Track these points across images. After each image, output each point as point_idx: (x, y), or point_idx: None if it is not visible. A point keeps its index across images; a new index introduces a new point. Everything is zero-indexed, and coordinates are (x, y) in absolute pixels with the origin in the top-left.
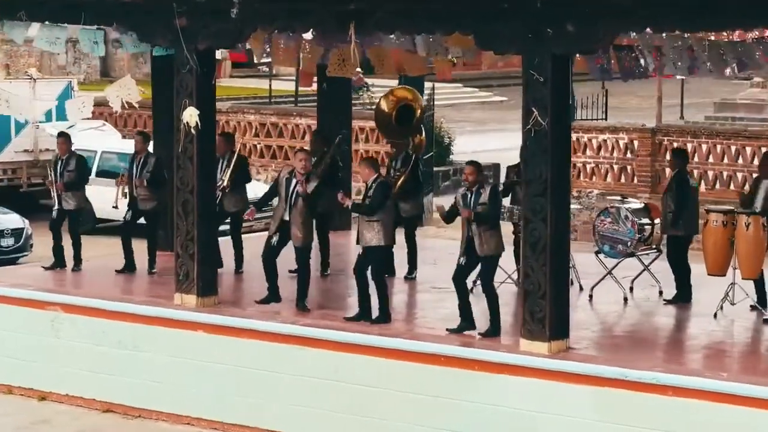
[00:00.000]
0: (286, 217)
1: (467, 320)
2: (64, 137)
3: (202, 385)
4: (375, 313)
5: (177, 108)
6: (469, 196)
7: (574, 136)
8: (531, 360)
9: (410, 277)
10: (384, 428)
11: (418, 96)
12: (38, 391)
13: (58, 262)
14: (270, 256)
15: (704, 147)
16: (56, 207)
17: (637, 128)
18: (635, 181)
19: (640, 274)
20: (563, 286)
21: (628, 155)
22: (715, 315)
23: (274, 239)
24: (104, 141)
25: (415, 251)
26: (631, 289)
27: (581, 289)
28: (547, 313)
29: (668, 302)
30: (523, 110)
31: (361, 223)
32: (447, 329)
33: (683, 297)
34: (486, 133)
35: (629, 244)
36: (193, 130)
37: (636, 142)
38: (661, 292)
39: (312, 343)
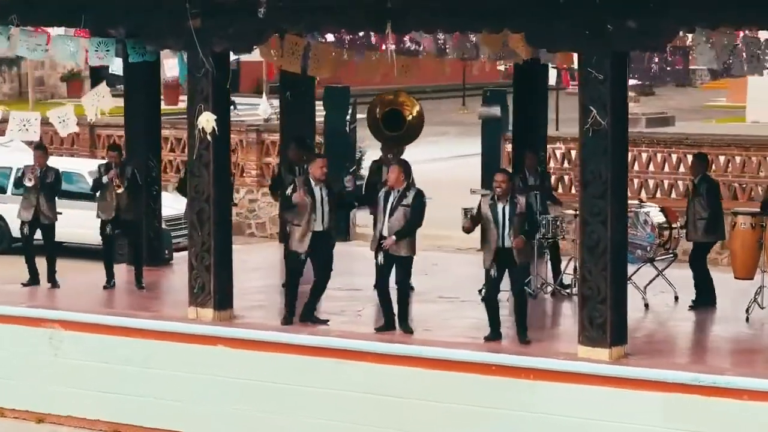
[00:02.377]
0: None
1: (496, 331)
2: (41, 150)
3: (222, 401)
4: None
5: (191, 113)
6: (501, 206)
7: (509, 147)
8: (598, 368)
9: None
10: None
11: (413, 102)
12: (35, 413)
13: (34, 279)
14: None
15: (644, 156)
16: (27, 221)
17: (575, 138)
18: (572, 191)
19: (653, 279)
20: (622, 290)
21: (566, 164)
22: (747, 319)
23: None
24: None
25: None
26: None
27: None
28: (608, 318)
29: (692, 307)
30: (580, 109)
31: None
32: (485, 338)
33: (708, 301)
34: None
35: (649, 248)
36: (209, 136)
37: (573, 152)
38: (677, 298)
39: (348, 355)
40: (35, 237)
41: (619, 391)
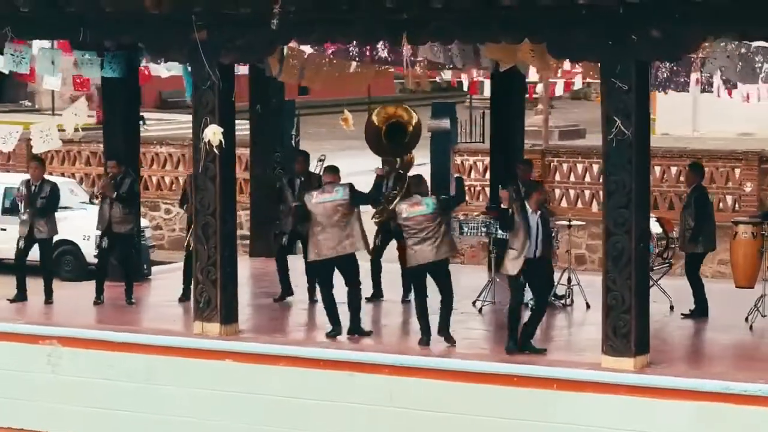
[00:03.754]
0: None
1: (516, 341)
2: (37, 162)
3: (231, 416)
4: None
5: (197, 126)
6: (536, 218)
7: (458, 159)
8: (627, 377)
9: (407, 299)
10: None
11: (412, 114)
12: (30, 431)
13: (21, 295)
14: None
15: (595, 167)
16: (24, 236)
17: (527, 149)
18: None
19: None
20: (646, 300)
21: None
22: (751, 327)
23: None
24: None
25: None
26: None
27: (588, 306)
28: (632, 327)
29: (686, 316)
30: (603, 119)
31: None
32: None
33: (702, 311)
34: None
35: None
36: (216, 149)
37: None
38: (672, 307)
39: (364, 368)
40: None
41: (649, 400)
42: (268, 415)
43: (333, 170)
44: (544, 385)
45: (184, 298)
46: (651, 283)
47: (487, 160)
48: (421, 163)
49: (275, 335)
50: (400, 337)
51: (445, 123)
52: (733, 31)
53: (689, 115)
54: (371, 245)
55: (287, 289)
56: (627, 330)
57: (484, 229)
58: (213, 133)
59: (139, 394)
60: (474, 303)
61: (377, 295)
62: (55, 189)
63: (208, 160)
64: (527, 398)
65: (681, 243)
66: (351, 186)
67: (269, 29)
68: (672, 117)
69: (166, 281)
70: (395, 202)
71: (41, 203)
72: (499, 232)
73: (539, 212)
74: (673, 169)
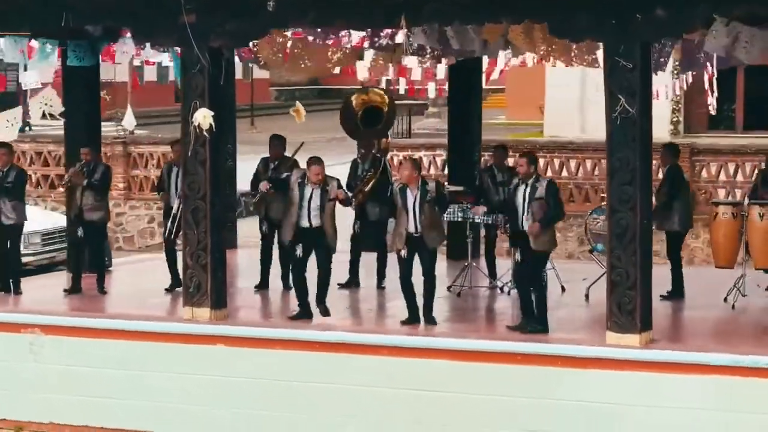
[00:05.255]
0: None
1: (529, 316)
2: (5, 148)
3: (227, 401)
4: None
5: (186, 110)
6: (525, 189)
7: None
8: (637, 353)
9: (382, 286)
10: None
11: (387, 99)
12: (12, 421)
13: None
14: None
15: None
16: None
17: None
18: None
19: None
20: (649, 276)
21: (446, 171)
22: (733, 306)
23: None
24: None
25: (385, 257)
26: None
27: (563, 290)
28: (637, 304)
29: (664, 298)
30: (607, 97)
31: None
32: (507, 326)
33: (679, 293)
34: None
35: None
36: (206, 133)
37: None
38: None
39: (365, 350)
40: None
41: (657, 375)
42: (262, 400)
43: (318, 162)
44: (549, 363)
45: (171, 287)
46: None
47: (418, 154)
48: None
49: (267, 319)
50: (391, 318)
51: None
52: (740, 10)
53: (577, 117)
54: (351, 232)
55: (266, 277)
56: (632, 306)
57: (460, 214)
58: (203, 117)
59: (127, 382)
60: (449, 288)
61: (354, 283)
62: (21, 174)
63: (198, 144)
64: (532, 376)
65: (658, 222)
66: (339, 181)
67: (262, 12)
68: (558, 119)
69: (127, 272)
70: (370, 184)
71: (7, 189)
72: (476, 216)
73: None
74: (588, 163)
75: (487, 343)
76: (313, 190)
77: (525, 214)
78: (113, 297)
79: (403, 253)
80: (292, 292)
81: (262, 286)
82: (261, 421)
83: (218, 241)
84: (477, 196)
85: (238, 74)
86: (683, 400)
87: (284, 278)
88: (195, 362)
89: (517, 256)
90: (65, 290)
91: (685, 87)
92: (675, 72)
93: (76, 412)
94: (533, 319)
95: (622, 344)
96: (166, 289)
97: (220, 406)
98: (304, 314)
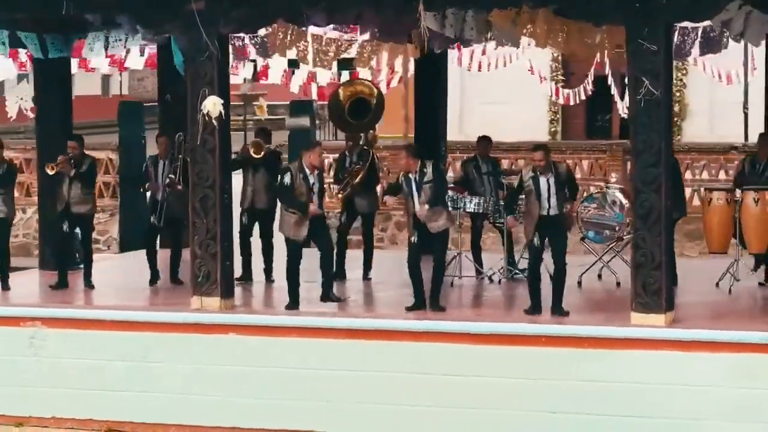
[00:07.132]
0: None
1: (538, 306)
2: None
3: (238, 391)
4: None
5: (193, 97)
6: (545, 179)
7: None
8: (667, 332)
9: (368, 278)
10: (483, 417)
11: (374, 91)
12: (13, 417)
13: None
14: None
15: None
16: None
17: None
18: None
19: (611, 259)
20: (672, 257)
21: None
22: (730, 291)
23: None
24: None
25: (372, 249)
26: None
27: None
28: (663, 284)
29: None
30: (630, 80)
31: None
32: (525, 310)
33: (672, 279)
34: None
35: (617, 228)
36: (215, 121)
37: None
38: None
39: (381, 335)
40: None
41: (685, 354)
42: (278, 388)
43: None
44: (575, 344)
45: (153, 281)
46: (615, 253)
47: None
48: None
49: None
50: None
51: (305, 120)
52: None
53: (456, 122)
54: (337, 223)
55: (248, 269)
56: (657, 287)
57: (450, 204)
58: (213, 104)
59: (136, 373)
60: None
61: (340, 275)
62: (12, 168)
63: (207, 133)
64: (558, 358)
65: None
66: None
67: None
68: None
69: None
70: (359, 177)
71: None
72: (469, 206)
73: None
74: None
75: (514, 326)
76: (316, 176)
77: (553, 199)
78: (102, 291)
79: (413, 239)
80: (284, 284)
81: (246, 278)
82: (277, 410)
83: (227, 230)
84: (464, 187)
85: None
86: (712, 379)
87: (267, 271)
88: (205, 352)
89: (536, 241)
90: (51, 286)
91: None
92: None
93: (79, 405)
94: (557, 302)
95: (648, 324)
96: (150, 282)
97: (234, 395)
98: (293, 305)
